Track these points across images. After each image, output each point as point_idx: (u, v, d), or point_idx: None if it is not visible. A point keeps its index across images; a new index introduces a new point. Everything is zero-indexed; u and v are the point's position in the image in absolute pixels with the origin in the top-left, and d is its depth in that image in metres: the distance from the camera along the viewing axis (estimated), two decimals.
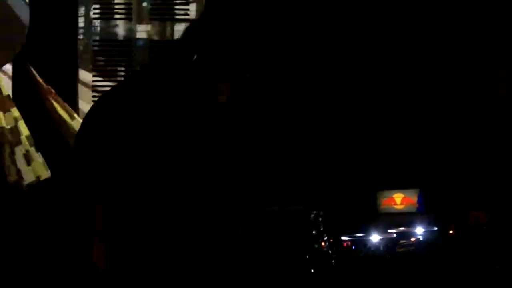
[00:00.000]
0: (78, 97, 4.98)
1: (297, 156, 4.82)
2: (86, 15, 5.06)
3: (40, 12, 4.81)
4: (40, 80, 4.81)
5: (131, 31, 5.10)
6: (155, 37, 5.07)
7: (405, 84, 4.83)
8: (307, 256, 2.44)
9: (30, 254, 4.57)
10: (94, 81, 5.00)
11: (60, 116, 4.80)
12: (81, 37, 5.03)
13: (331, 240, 2.74)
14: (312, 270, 2.65)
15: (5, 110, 4.68)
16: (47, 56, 4.89)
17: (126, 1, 5.13)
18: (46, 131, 4.82)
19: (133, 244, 2.28)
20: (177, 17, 5.05)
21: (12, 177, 4.67)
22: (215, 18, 2.46)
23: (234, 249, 2.19)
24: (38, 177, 4.70)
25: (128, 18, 5.10)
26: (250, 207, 3.09)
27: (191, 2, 5.04)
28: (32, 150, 4.72)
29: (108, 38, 5.07)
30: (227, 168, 3.11)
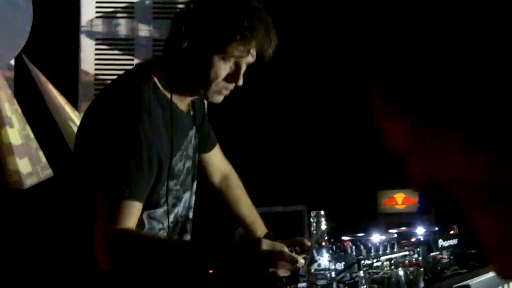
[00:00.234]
0: (79, 95, 4.98)
1: (297, 156, 4.82)
2: (89, 13, 5.06)
3: (42, 9, 4.81)
4: (41, 77, 4.81)
5: (133, 29, 5.10)
6: (158, 35, 5.06)
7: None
8: (307, 255, 2.44)
9: (30, 253, 4.57)
10: (95, 79, 5.00)
11: (61, 114, 4.80)
12: (83, 35, 5.03)
13: (332, 240, 2.75)
14: (312, 270, 2.65)
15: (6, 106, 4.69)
16: (49, 54, 4.89)
17: None
18: (47, 129, 4.83)
19: (133, 242, 2.27)
20: None
21: (13, 176, 4.67)
22: (202, 2, 2.47)
23: (232, 249, 2.19)
24: (39, 175, 4.71)
25: (130, 16, 5.10)
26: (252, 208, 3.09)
27: None
28: (34, 148, 4.72)
29: (110, 36, 5.07)
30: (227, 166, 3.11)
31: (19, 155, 4.71)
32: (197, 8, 2.43)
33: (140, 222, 2.39)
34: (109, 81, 4.99)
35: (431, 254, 2.58)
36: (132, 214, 2.29)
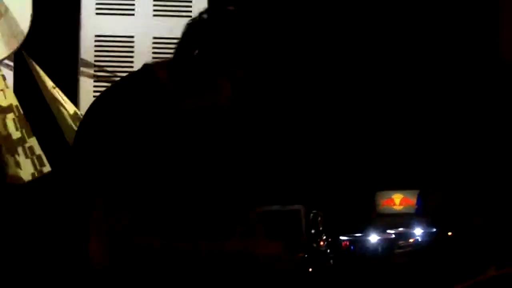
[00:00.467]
0: (79, 93, 4.98)
1: (295, 155, 4.82)
2: (88, 10, 5.05)
3: (41, 5, 4.81)
4: (41, 73, 4.81)
5: (133, 27, 5.10)
6: (158, 33, 5.06)
7: (404, 80, 4.82)
8: (305, 256, 2.44)
9: (27, 250, 4.57)
10: (95, 75, 4.99)
11: (60, 110, 4.80)
12: (83, 32, 5.02)
13: (330, 240, 2.74)
14: (310, 270, 2.65)
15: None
16: (49, 51, 4.89)
17: None
18: (46, 125, 4.82)
19: (132, 241, 2.27)
20: (180, 13, 5.05)
21: (11, 171, 4.66)
22: (217, 12, 2.46)
23: (232, 249, 2.19)
24: (38, 172, 4.70)
25: (130, 13, 5.10)
26: (248, 207, 3.09)
27: None
28: (33, 143, 4.72)
29: (110, 33, 5.06)
30: (226, 167, 3.11)
31: (18, 151, 4.70)
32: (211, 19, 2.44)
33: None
34: (109, 78, 4.97)
35: None
36: (131, 214, 2.29)
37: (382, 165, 5.21)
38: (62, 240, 2.44)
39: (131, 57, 4.99)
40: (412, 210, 5.33)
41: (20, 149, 4.68)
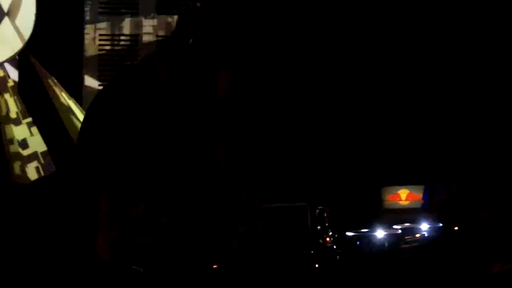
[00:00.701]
0: (83, 91, 4.98)
1: (301, 152, 4.80)
2: (92, 10, 5.05)
3: (46, 5, 4.81)
4: (46, 73, 4.82)
5: (137, 26, 5.10)
6: (162, 32, 5.06)
7: (410, 74, 4.80)
8: (312, 252, 2.43)
9: (34, 246, 4.58)
10: (100, 75, 5.00)
11: (65, 109, 4.81)
12: (87, 31, 5.02)
13: (336, 236, 2.74)
14: (317, 266, 2.65)
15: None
16: (53, 50, 4.89)
17: None
18: (51, 124, 4.83)
19: (137, 234, 2.28)
20: None
21: (17, 171, 4.68)
22: (211, 1, 2.46)
23: (237, 245, 2.20)
24: (43, 170, 4.71)
25: (134, 12, 5.10)
26: (255, 203, 3.09)
27: None
28: (38, 142, 4.73)
29: (114, 32, 5.06)
30: (232, 165, 3.11)
31: (24, 150, 4.71)
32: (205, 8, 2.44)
33: None
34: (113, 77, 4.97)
35: None
36: (138, 207, 2.30)
37: (386, 162, 5.20)
38: (69, 233, 2.45)
39: (135, 55, 5.00)
40: (418, 205, 5.33)
41: (26, 148, 4.69)
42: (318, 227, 2.08)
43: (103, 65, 5.01)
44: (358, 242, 2.41)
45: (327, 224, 2.16)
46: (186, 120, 2.58)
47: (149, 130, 2.39)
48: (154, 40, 5.05)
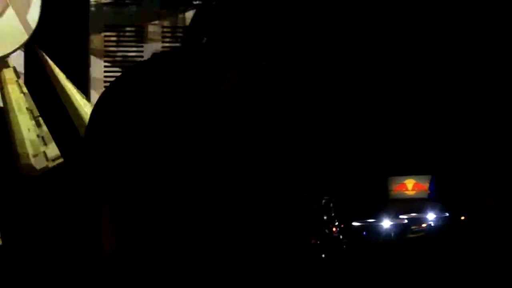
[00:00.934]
0: (89, 82, 4.98)
1: (307, 142, 4.79)
2: (97, 1, 5.04)
3: None
4: (52, 65, 4.82)
5: (142, 18, 5.09)
6: (166, 23, 5.05)
7: (415, 64, 4.75)
8: (318, 242, 2.43)
9: (40, 239, 4.59)
10: (106, 66, 4.99)
11: (71, 101, 4.81)
12: (92, 23, 5.02)
13: (342, 226, 2.73)
14: (323, 256, 2.64)
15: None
16: (59, 42, 4.89)
17: None
18: (58, 116, 4.83)
19: (141, 235, 2.28)
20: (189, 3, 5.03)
21: (25, 163, 4.68)
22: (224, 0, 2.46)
23: (245, 239, 2.19)
24: (50, 161, 4.72)
25: (138, 3, 5.08)
26: (260, 194, 3.09)
27: None
28: (45, 134, 4.74)
29: (119, 24, 5.05)
30: (237, 157, 3.11)
31: (31, 143, 4.72)
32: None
33: None
34: (119, 69, 4.97)
35: None
36: (143, 202, 2.29)
37: (394, 151, 5.20)
38: (74, 227, 2.45)
39: (141, 46, 4.99)
40: (424, 195, 5.32)
41: (33, 141, 4.70)
42: (325, 217, 2.07)
43: (109, 56, 5.01)
44: (364, 232, 2.41)
45: (333, 214, 2.16)
46: (195, 115, 2.58)
47: (157, 126, 2.39)
48: (160, 31, 5.04)
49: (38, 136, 4.73)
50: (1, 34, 4.76)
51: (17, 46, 4.79)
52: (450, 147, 5.35)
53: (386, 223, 2.61)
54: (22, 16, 4.77)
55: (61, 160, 4.75)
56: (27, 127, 4.71)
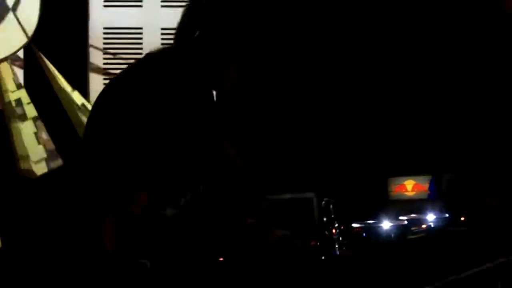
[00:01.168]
0: (88, 85, 4.98)
1: (307, 143, 4.78)
2: (97, 2, 5.05)
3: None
4: (51, 67, 4.82)
5: (141, 18, 5.09)
6: (166, 24, 5.05)
7: (415, 64, 4.75)
8: (318, 243, 2.43)
9: (40, 240, 4.59)
10: (105, 68, 5.00)
11: (70, 103, 4.82)
12: (91, 24, 5.02)
13: (342, 227, 2.73)
14: (323, 257, 2.63)
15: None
16: (58, 43, 4.90)
17: None
18: (57, 118, 4.84)
19: (143, 227, 2.28)
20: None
21: (24, 165, 4.69)
22: None
23: (243, 238, 2.20)
24: (50, 164, 4.72)
25: (138, 5, 5.09)
26: (260, 195, 3.10)
27: None
28: (44, 136, 4.74)
29: (119, 25, 5.06)
30: (238, 157, 3.11)
31: (29, 144, 4.72)
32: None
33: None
34: (118, 70, 4.97)
35: None
36: (142, 201, 2.30)
37: (393, 152, 5.19)
38: (75, 227, 2.44)
39: (140, 48, 4.99)
40: (424, 196, 5.32)
41: (32, 142, 4.70)
42: (324, 219, 2.07)
43: (108, 57, 5.01)
44: (364, 234, 2.41)
45: (333, 216, 2.16)
46: (192, 113, 2.58)
47: (155, 124, 2.39)
48: (159, 33, 5.05)
49: (37, 138, 4.73)
50: (0, 37, 4.77)
51: (16, 48, 4.79)
52: (450, 147, 5.34)
53: (386, 224, 2.61)
54: (21, 18, 4.78)
55: (60, 162, 4.75)
56: (26, 129, 4.72)
